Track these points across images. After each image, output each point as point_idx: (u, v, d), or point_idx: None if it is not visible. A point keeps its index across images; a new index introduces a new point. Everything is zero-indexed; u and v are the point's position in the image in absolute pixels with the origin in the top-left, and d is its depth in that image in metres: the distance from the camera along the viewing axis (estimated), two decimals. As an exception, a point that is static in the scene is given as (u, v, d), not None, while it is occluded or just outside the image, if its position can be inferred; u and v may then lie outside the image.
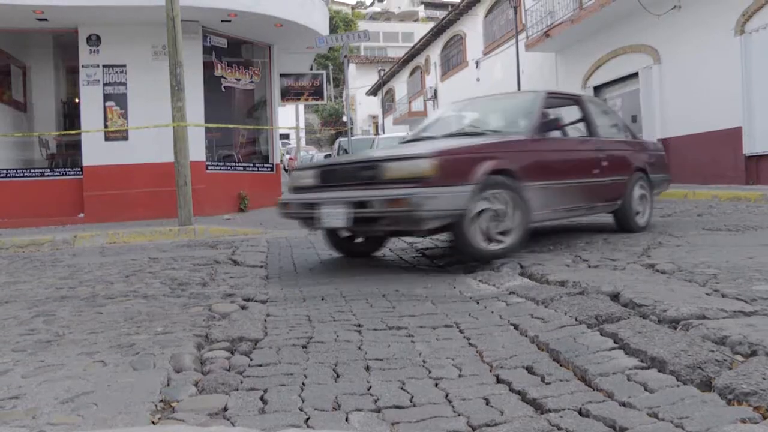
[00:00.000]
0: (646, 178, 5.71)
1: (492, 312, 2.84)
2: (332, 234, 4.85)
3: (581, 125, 5.47)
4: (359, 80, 37.92)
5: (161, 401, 1.82)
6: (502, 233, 4.12)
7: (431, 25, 30.36)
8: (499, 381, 1.93)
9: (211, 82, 10.07)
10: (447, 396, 1.81)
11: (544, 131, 4.77)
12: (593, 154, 5.16)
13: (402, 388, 1.88)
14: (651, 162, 5.87)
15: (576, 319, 2.52)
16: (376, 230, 4.53)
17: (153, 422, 1.68)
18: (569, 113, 5.57)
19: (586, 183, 4.99)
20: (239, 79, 10.81)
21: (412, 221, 3.83)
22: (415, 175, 3.80)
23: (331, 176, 4.42)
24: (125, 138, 9.47)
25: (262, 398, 1.84)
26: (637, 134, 6.98)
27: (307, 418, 1.68)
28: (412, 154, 4.01)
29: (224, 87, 10.47)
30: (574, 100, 5.65)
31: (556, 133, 5.14)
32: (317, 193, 4.37)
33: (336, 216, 4.00)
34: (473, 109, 5.94)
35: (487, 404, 1.74)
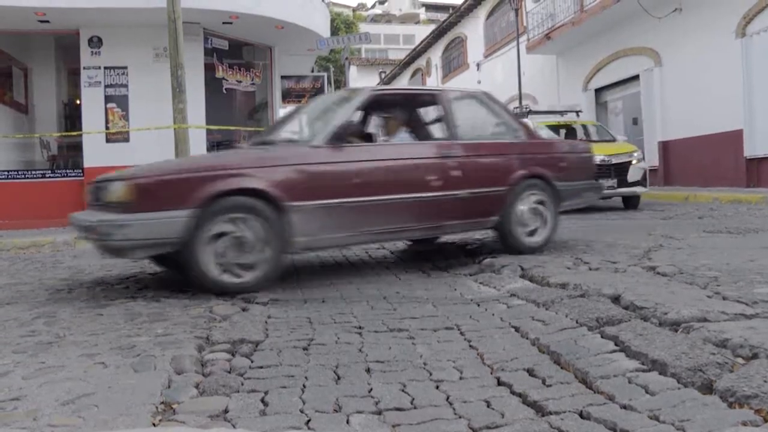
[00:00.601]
0: (547, 186, 4.65)
1: (493, 314, 2.84)
2: None
3: (440, 126, 4.65)
4: (360, 82, 37.91)
5: (162, 403, 1.83)
6: (250, 264, 3.55)
7: (432, 27, 30.37)
8: (500, 383, 1.93)
9: (212, 83, 10.08)
10: (448, 398, 1.81)
11: (348, 138, 4.06)
12: (436, 161, 4.28)
13: (403, 390, 1.88)
14: (558, 167, 4.77)
15: (577, 322, 2.52)
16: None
17: (154, 424, 1.69)
18: (423, 114, 4.91)
19: (417, 198, 4.12)
20: (240, 81, 10.82)
21: (113, 251, 3.53)
22: (117, 199, 3.46)
23: (96, 193, 4.00)
24: (126, 140, 9.47)
25: (262, 400, 1.84)
26: (538, 134, 5.90)
27: (308, 420, 1.68)
28: (118, 177, 3.63)
29: (225, 89, 10.47)
30: (431, 96, 4.82)
31: (405, 137, 4.65)
32: (88, 212, 3.99)
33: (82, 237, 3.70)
34: (305, 111, 5.25)
35: (488, 406, 1.74)
